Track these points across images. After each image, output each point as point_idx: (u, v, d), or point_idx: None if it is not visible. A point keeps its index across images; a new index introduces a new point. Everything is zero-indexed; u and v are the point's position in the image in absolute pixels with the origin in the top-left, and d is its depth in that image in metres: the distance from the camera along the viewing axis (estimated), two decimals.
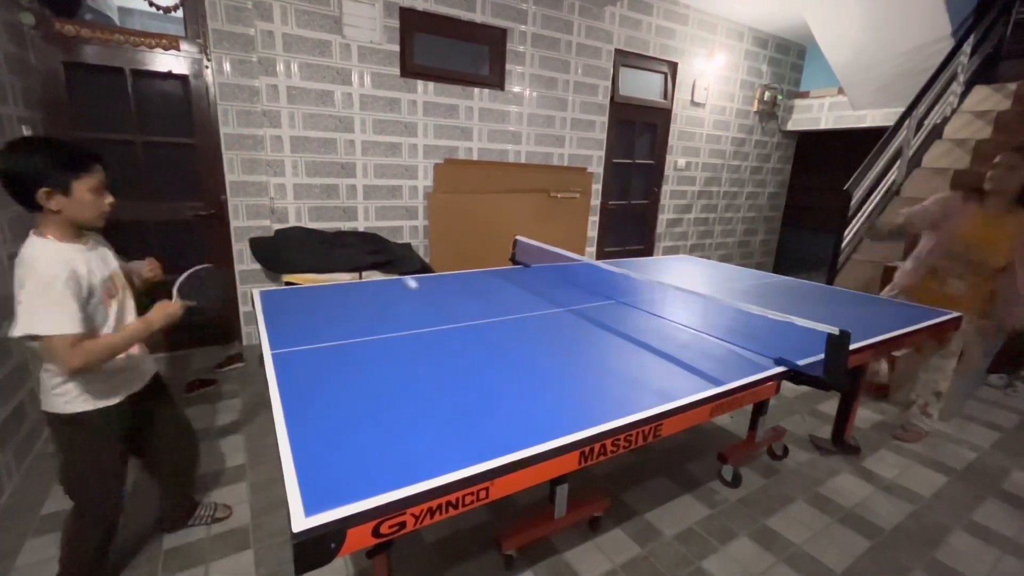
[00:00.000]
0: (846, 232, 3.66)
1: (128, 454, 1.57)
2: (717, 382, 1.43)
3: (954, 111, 4.05)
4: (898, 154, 3.81)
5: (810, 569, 1.79)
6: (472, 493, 0.95)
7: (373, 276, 3.38)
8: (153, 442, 1.67)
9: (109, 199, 1.40)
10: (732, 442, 2.56)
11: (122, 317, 1.46)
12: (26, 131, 2.47)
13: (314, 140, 3.50)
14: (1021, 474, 2.44)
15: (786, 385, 1.56)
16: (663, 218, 5.63)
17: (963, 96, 4.08)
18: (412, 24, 3.66)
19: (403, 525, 0.88)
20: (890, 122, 3.91)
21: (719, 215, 6.15)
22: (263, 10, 3.16)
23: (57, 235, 1.33)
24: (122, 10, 3.54)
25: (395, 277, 3.02)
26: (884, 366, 2.95)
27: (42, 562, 1.66)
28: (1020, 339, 3.20)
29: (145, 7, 2.98)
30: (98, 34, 2.82)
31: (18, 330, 1.24)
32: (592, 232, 5.09)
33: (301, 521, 0.81)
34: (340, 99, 3.52)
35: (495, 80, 4.12)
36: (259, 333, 1.68)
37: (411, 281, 2.38)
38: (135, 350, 1.51)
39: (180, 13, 3.03)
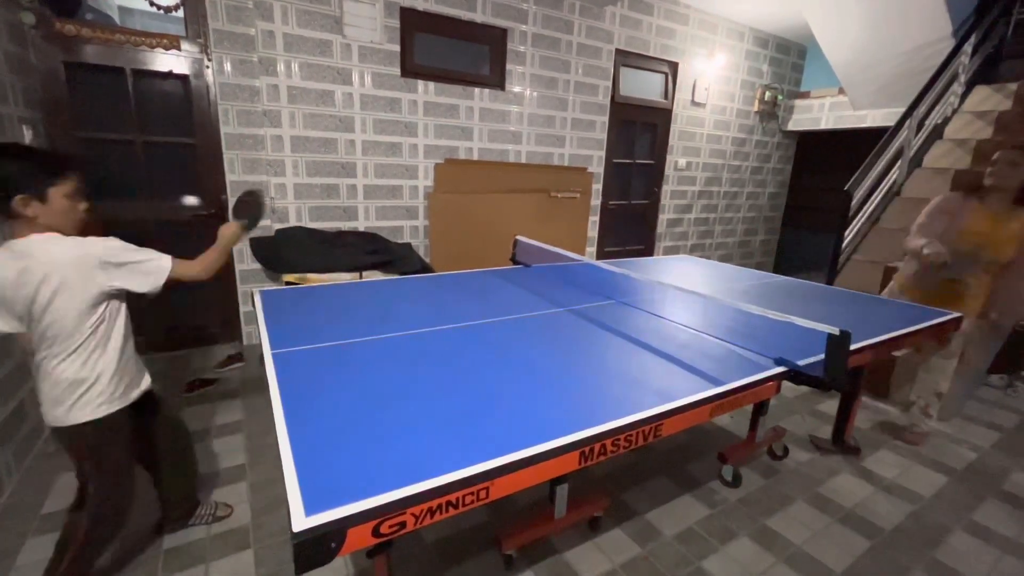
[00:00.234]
0: (847, 232, 3.65)
1: None
2: (717, 382, 1.43)
3: (955, 111, 4.05)
4: (899, 154, 3.81)
5: (810, 569, 1.79)
6: (472, 493, 0.95)
7: (373, 276, 3.38)
8: (151, 443, 1.69)
9: (84, 205, 1.42)
10: (732, 442, 2.56)
11: None
12: (27, 131, 2.47)
13: (315, 140, 3.50)
14: (1021, 474, 2.43)
15: (786, 385, 1.56)
16: (663, 218, 5.63)
17: (964, 96, 4.08)
18: (412, 24, 3.66)
19: (403, 525, 0.88)
20: (891, 122, 3.90)
21: (719, 215, 6.15)
22: (264, 10, 3.16)
23: None
24: (123, 10, 3.54)
25: (395, 277, 3.02)
26: (923, 418, 2.70)
27: (42, 561, 1.65)
28: (1020, 340, 3.20)
29: (146, 7, 2.98)
30: (99, 34, 2.82)
31: (159, 279, 1.42)
32: (592, 232, 5.09)
33: (301, 521, 0.81)
34: (341, 99, 3.52)
35: (495, 80, 4.12)
36: (259, 333, 1.68)
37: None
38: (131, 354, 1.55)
39: (181, 13, 3.03)
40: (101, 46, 2.86)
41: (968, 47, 3.91)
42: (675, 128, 5.34)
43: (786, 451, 2.48)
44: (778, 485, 2.26)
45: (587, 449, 1.11)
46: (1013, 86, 3.87)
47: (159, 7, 2.97)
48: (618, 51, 4.70)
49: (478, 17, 3.89)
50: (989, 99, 3.97)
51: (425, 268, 3.77)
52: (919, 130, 3.90)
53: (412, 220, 4.02)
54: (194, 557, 1.74)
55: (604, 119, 4.81)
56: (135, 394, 1.53)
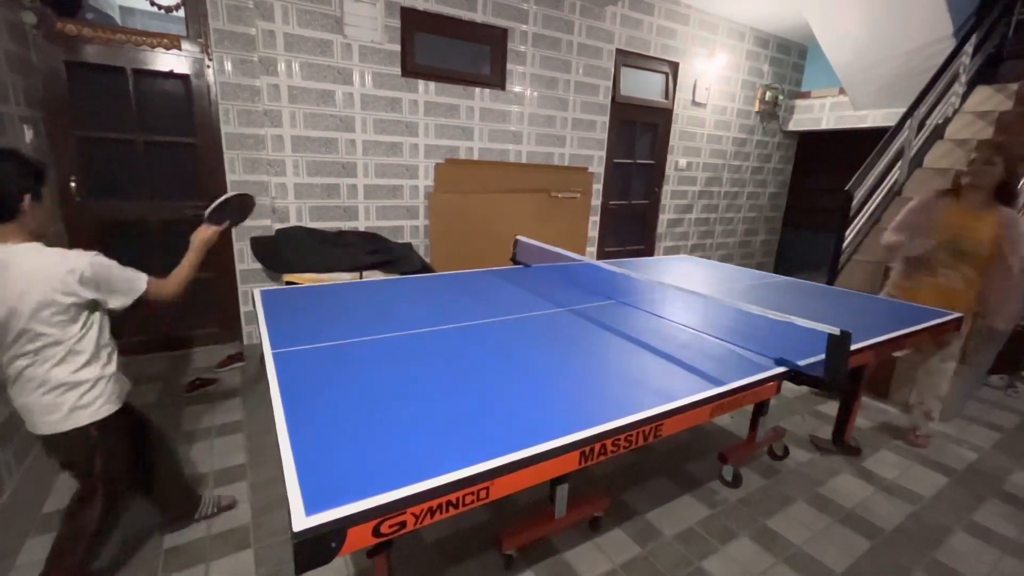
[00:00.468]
0: (847, 232, 3.65)
1: None
2: (718, 382, 1.43)
3: (956, 111, 4.04)
4: (899, 154, 3.81)
5: (810, 569, 1.79)
6: (472, 493, 0.95)
7: (374, 276, 3.38)
8: (139, 447, 1.70)
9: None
10: (732, 442, 2.56)
11: None
12: (27, 130, 2.47)
13: (315, 140, 3.50)
14: (1022, 475, 2.43)
15: (787, 385, 1.56)
16: (664, 218, 5.63)
17: (965, 96, 4.08)
18: (413, 24, 3.66)
19: (403, 525, 0.88)
20: (891, 122, 3.90)
21: (720, 215, 6.15)
22: (264, 10, 3.16)
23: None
24: (123, 9, 3.55)
25: (396, 277, 3.02)
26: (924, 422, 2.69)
27: (43, 561, 1.66)
28: (1020, 340, 3.20)
29: (147, 7, 2.98)
30: (100, 33, 2.82)
31: (130, 299, 1.44)
32: (593, 232, 5.09)
33: (302, 520, 0.81)
34: (341, 99, 3.52)
35: (496, 80, 4.12)
36: (260, 332, 1.68)
37: None
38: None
39: (181, 12, 3.03)
40: (102, 46, 2.86)
41: (969, 47, 3.90)
42: (676, 128, 5.33)
43: (786, 451, 2.48)
44: (778, 485, 2.26)
45: (587, 449, 1.11)
46: (1014, 86, 3.86)
47: (160, 7, 2.97)
48: (619, 51, 4.70)
49: (478, 17, 3.89)
50: (990, 99, 3.96)
51: (425, 268, 3.78)
52: (920, 130, 3.90)
53: (412, 220, 4.02)
54: (194, 557, 1.74)
55: (604, 119, 4.81)
56: (124, 396, 1.57)
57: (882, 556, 1.87)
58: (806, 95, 6.08)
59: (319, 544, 0.80)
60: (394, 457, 1.01)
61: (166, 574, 1.67)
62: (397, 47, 3.63)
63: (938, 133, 4.01)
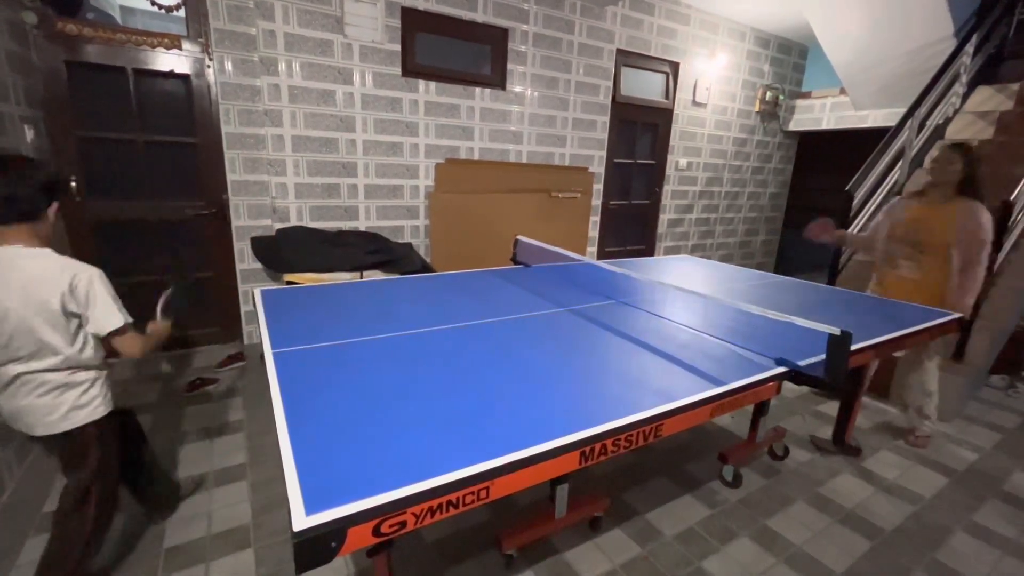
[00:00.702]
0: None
1: None
2: (718, 382, 1.43)
3: (956, 111, 4.04)
4: (900, 155, 3.80)
5: (810, 570, 1.79)
6: (473, 492, 0.95)
7: (374, 275, 3.38)
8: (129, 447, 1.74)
9: None
10: (733, 442, 2.56)
11: None
12: (28, 130, 2.47)
13: (315, 139, 3.50)
14: (1022, 475, 2.43)
15: (787, 385, 1.56)
16: (664, 218, 5.63)
17: (965, 96, 4.08)
18: (413, 24, 3.66)
19: (403, 524, 0.88)
20: (892, 122, 3.89)
21: (720, 215, 6.15)
22: (265, 9, 3.16)
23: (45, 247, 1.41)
24: (124, 9, 3.55)
25: (396, 277, 3.02)
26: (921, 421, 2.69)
27: None
28: (1021, 341, 3.20)
29: (147, 6, 2.98)
30: (100, 33, 2.82)
31: (120, 320, 1.42)
32: (593, 232, 5.09)
33: (302, 520, 0.81)
34: (342, 98, 3.52)
35: (496, 80, 4.12)
36: (260, 332, 1.68)
37: None
38: None
39: (182, 12, 3.03)
40: (103, 45, 2.86)
41: (970, 47, 3.90)
42: (676, 128, 5.33)
43: (787, 451, 2.48)
44: (779, 485, 2.26)
45: (587, 449, 1.11)
46: (1015, 86, 3.86)
47: (160, 7, 2.98)
48: (619, 51, 4.69)
49: (479, 17, 3.89)
50: (991, 99, 3.96)
51: (426, 268, 3.78)
52: (920, 130, 3.90)
53: (413, 220, 4.02)
54: (194, 556, 1.75)
55: (605, 119, 4.81)
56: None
57: (882, 556, 1.87)
58: (807, 95, 6.07)
59: (319, 544, 0.80)
60: (394, 457, 1.01)
61: (166, 573, 1.67)
62: (397, 47, 3.63)
63: (939, 133, 4.01)
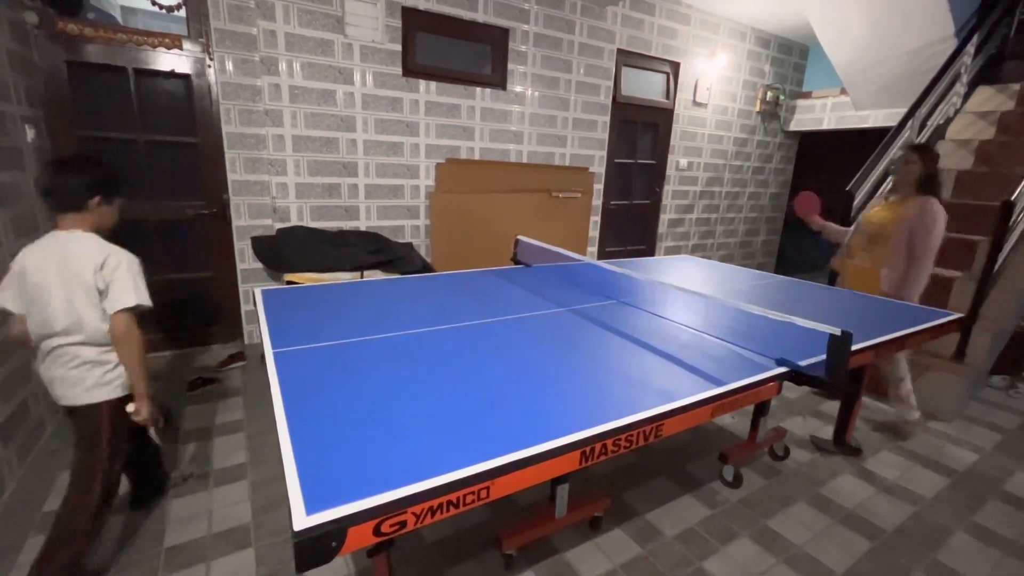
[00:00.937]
0: None
1: None
2: (718, 382, 1.43)
3: (957, 111, 4.04)
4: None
5: (811, 570, 1.79)
6: (473, 492, 0.95)
7: (375, 275, 3.38)
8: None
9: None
10: (733, 442, 2.56)
11: None
12: (29, 130, 2.48)
13: (316, 139, 3.50)
14: (1022, 476, 2.43)
15: (787, 385, 1.56)
16: (665, 218, 5.63)
17: (966, 96, 4.07)
18: (414, 24, 3.66)
19: (404, 524, 0.88)
20: (893, 122, 3.89)
21: (721, 215, 6.14)
22: (265, 9, 3.16)
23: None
24: (125, 9, 3.54)
25: (397, 276, 3.02)
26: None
27: None
28: (1022, 341, 3.20)
29: (148, 6, 2.99)
30: (101, 33, 2.83)
31: (132, 300, 1.50)
32: (594, 232, 5.09)
33: (302, 519, 0.81)
34: (342, 98, 3.52)
35: (497, 80, 4.12)
36: (261, 332, 1.68)
37: None
38: None
39: (183, 12, 3.03)
40: (103, 45, 2.86)
41: (971, 47, 3.90)
42: (677, 128, 5.33)
43: (787, 452, 2.48)
44: (779, 486, 2.26)
45: (588, 449, 1.11)
46: (1016, 86, 3.86)
47: (161, 6, 2.98)
48: (620, 51, 4.69)
49: (479, 17, 3.89)
50: (992, 99, 3.96)
51: (426, 268, 3.78)
52: (921, 130, 3.89)
53: (413, 220, 4.02)
54: (195, 555, 1.75)
55: (605, 119, 4.81)
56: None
57: (883, 557, 1.87)
58: (807, 95, 6.07)
59: (320, 543, 0.80)
60: (394, 456, 1.01)
61: (167, 573, 1.67)
62: (398, 47, 3.63)
63: (939, 133, 4.00)
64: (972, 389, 3.15)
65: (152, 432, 1.69)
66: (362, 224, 3.82)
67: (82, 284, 1.47)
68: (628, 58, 4.81)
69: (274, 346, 1.53)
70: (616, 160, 5.07)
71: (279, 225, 3.51)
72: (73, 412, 1.56)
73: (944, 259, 3.25)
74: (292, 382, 1.30)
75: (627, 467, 2.33)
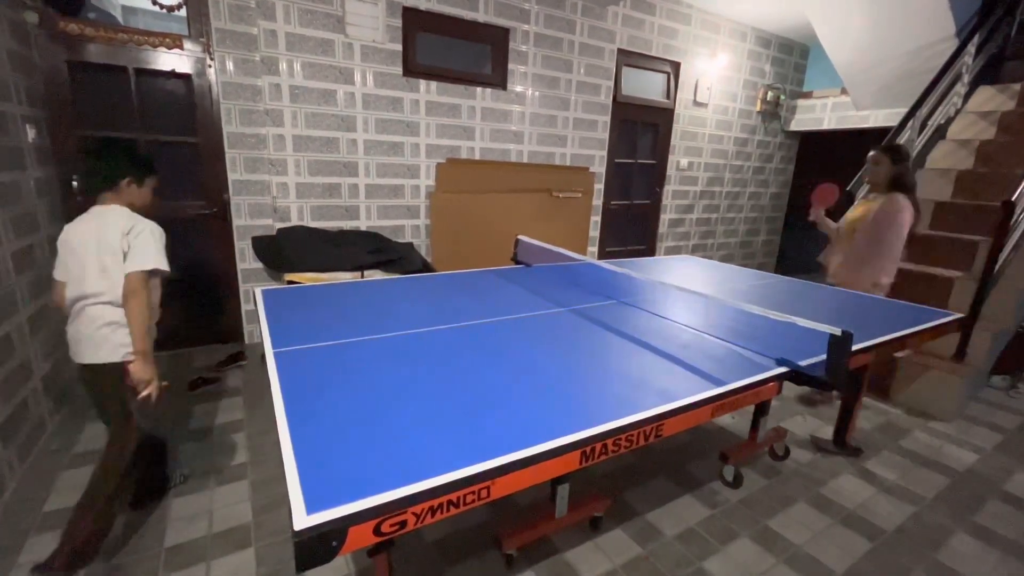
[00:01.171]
0: None
1: None
2: (719, 382, 1.43)
3: (958, 111, 4.04)
4: None
5: (811, 570, 1.79)
6: (473, 492, 0.95)
7: (375, 275, 3.38)
8: None
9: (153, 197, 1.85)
10: (733, 442, 2.56)
11: None
12: (30, 130, 2.48)
13: (316, 139, 3.50)
14: (1023, 476, 2.43)
15: (788, 385, 1.56)
16: (665, 218, 5.63)
17: (967, 96, 4.07)
18: (414, 23, 3.66)
19: (404, 524, 0.88)
20: (893, 122, 3.89)
21: (721, 215, 6.14)
22: (266, 9, 3.16)
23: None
24: (126, 9, 3.55)
25: (397, 276, 3.02)
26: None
27: (44, 560, 1.66)
28: (1022, 341, 3.20)
29: (149, 6, 2.99)
30: (102, 33, 2.83)
31: (150, 263, 1.62)
32: (594, 232, 5.09)
33: (303, 519, 0.81)
34: (342, 98, 3.52)
35: (497, 79, 4.12)
36: (261, 332, 1.68)
37: None
38: None
39: (183, 12, 3.03)
40: (104, 45, 2.86)
41: (971, 47, 3.90)
42: (677, 128, 5.33)
43: (787, 452, 2.48)
44: (779, 486, 2.26)
45: (588, 449, 1.11)
46: (1017, 86, 3.86)
47: (162, 6, 2.98)
48: (620, 51, 4.69)
49: (480, 17, 3.89)
50: (992, 99, 3.96)
51: (427, 267, 3.78)
52: (922, 130, 3.89)
53: (414, 219, 4.02)
54: (195, 555, 1.75)
55: (606, 119, 4.81)
56: None
57: (883, 557, 1.87)
58: (808, 95, 6.07)
59: (320, 543, 0.80)
60: (395, 456, 1.01)
61: (167, 572, 1.67)
62: (398, 47, 3.63)
63: (940, 133, 4.00)
64: (972, 389, 3.15)
65: (149, 391, 1.68)
66: (362, 224, 3.82)
67: (110, 248, 1.61)
68: (628, 58, 4.81)
69: (274, 346, 1.53)
70: (616, 160, 5.07)
71: (279, 225, 3.51)
72: (95, 370, 1.66)
73: (944, 259, 3.25)
74: (292, 382, 1.30)
75: (627, 467, 2.33)
